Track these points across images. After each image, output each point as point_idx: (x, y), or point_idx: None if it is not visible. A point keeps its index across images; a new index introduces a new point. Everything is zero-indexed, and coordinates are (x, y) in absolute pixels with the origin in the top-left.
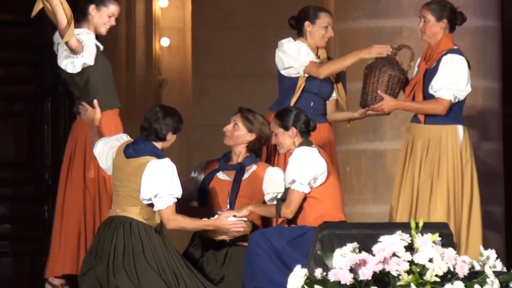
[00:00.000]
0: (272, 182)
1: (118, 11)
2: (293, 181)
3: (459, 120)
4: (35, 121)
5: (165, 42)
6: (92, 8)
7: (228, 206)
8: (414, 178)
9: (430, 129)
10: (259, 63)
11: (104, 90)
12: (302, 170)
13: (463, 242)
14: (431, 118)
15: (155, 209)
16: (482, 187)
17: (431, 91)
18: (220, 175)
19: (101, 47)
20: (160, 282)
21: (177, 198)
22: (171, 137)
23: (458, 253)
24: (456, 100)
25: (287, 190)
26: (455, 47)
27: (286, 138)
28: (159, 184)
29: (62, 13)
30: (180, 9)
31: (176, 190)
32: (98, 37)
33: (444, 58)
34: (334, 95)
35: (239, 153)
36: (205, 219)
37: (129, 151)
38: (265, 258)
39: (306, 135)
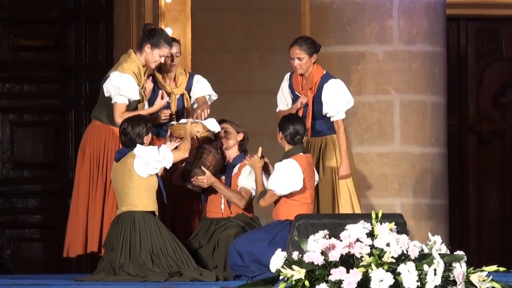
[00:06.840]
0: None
1: (168, 52)
2: (273, 189)
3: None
4: (61, 129)
5: None
6: (147, 47)
7: (222, 198)
8: (327, 178)
9: (322, 140)
10: (247, 82)
11: None
12: (281, 182)
13: None
14: (317, 132)
15: (167, 166)
16: (431, 184)
17: (328, 114)
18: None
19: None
20: (153, 265)
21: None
22: (146, 139)
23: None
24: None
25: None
26: (325, 72)
27: (278, 138)
28: (155, 152)
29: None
30: (182, 37)
31: (164, 146)
32: None
33: (326, 85)
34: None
35: (231, 154)
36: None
37: (116, 156)
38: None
39: (292, 143)
